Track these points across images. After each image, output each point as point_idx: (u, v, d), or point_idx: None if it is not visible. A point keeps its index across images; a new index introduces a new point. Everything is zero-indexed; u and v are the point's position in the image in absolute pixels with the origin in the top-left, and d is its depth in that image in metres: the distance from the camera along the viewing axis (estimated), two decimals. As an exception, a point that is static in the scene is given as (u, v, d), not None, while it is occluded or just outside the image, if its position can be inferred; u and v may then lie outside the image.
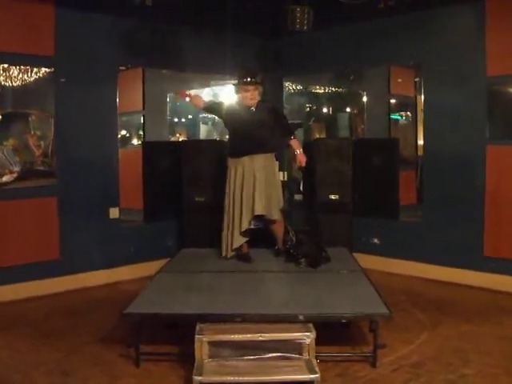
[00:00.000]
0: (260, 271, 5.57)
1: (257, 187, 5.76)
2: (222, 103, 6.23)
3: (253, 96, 5.80)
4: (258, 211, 5.75)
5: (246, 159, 5.79)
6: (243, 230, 5.81)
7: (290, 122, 6.45)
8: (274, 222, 5.95)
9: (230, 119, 5.94)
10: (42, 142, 6.36)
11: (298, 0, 6.21)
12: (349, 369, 4.21)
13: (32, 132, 6.30)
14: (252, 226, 5.90)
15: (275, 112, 6.09)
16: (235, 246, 5.88)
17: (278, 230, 6.01)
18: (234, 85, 6.02)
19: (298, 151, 5.95)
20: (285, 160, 8.34)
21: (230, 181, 5.86)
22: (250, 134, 5.78)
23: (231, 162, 5.89)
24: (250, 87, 5.78)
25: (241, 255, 5.96)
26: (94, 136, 6.67)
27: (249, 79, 5.78)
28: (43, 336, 4.97)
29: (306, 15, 6.11)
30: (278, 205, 5.96)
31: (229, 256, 5.92)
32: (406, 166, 7.75)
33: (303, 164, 5.99)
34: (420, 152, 7.30)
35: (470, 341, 4.73)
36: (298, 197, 8.57)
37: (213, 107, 6.16)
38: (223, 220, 5.95)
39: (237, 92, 5.93)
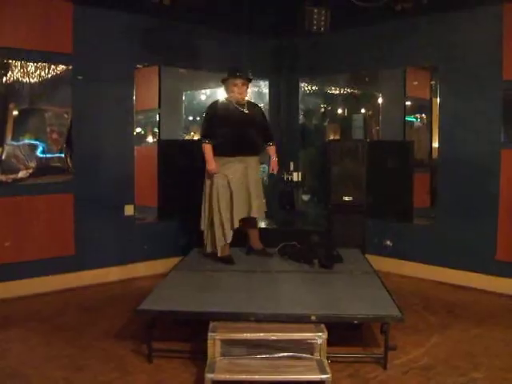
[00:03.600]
0: (273, 271, 5.60)
1: (252, 189, 5.90)
2: (210, 113, 5.97)
3: (241, 91, 5.86)
4: (255, 214, 5.94)
5: (239, 159, 5.86)
6: (235, 227, 5.86)
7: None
8: (253, 222, 6.17)
9: (221, 118, 5.85)
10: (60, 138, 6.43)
11: (315, 1, 6.20)
12: (360, 370, 4.24)
13: (48, 128, 6.36)
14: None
15: (262, 114, 6.25)
16: (228, 241, 5.87)
17: (256, 230, 6.25)
18: (222, 81, 5.97)
19: (274, 158, 6.16)
20: (299, 161, 8.38)
21: (219, 179, 5.81)
22: (243, 134, 5.86)
23: (220, 160, 5.81)
24: (239, 81, 5.83)
25: (225, 257, 5.94)
26: (110, 133, 6.72)
27: (237, 73, 5.84)
28: (57, 331, 5.03)
29: (323, 17, 6.10)
30: (263, 206, 6.18)
31: (208, 252, 6.01)
32: (420, 169, 7.73)
33: (275, 171, 6.26)
34: (434, 155, 7.28)
35: (480, 344, 4.74)
36: (305, 197, 8.61)
37: (213, 130, 5.87)
38: (212, 218, 5.91)
39: (226, 88, 5.94)
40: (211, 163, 5.78)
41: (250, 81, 6.03)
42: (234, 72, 5.85)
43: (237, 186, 5.81)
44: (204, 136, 5.90)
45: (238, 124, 5.84)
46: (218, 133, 5.81)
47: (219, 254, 5.88)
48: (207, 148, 5.80)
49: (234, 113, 5.86)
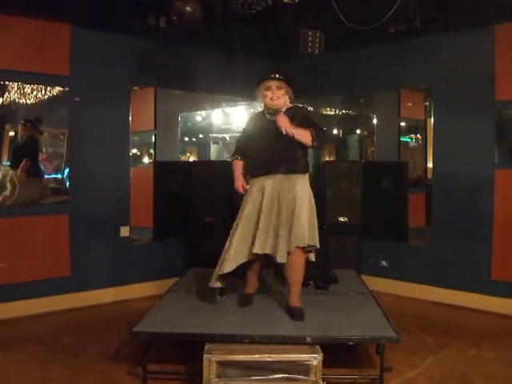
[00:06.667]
0: (269, 292, 5.59)
1: (295, 214, 4.63)
2: (244, 128, 5.12)
3: (274, 96, 4.71)
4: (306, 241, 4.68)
5: (266, 180, 4.74)
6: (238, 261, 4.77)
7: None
8: (292, 267, 4.76)
9: (250, 132, 4.98)
10: (53, 160, 6.44)
11: (309, 23, 6.24)
12: (355, 391, 4.23)
13: (44, 149, 6.38)
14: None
15: (304, 116, 4.88)
16: (224, 271, 4.75)
17: (295, 279, 4.81)
18: (257, 88, 4.86)
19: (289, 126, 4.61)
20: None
21: (247, 203, 4.78)
22: (272, 149, 4.70)
23: (251, 183, 4.87)
24: (272, 83, 4.71)
25: (242, 296, 5.18)
26: (106, 154, 6.73)
27: (271, 75, 4.72)
28: (51, 353, 5.00)
29: (318, 39, 6.14)
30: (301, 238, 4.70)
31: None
32: (416, 189, 7.76)
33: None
34: (429, 175, 7.31)
35: (476, 365, 4.72)
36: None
37: (242, 145, 5.04)
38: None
39: (259, 96, 4.88)
40: (236, 180, 4.96)
41: (288, 83, 4.82)
42: (268, 73, 4.74)
43: (265, 213, 4.68)
44: (234, 152, 5.10)
45: (266, 137, 4.72)
46: (248, 150, 4.93)
47: (210, 283, 4.92)
48: (235, 164, 5.01)
49: (262, 125, 4.82)
